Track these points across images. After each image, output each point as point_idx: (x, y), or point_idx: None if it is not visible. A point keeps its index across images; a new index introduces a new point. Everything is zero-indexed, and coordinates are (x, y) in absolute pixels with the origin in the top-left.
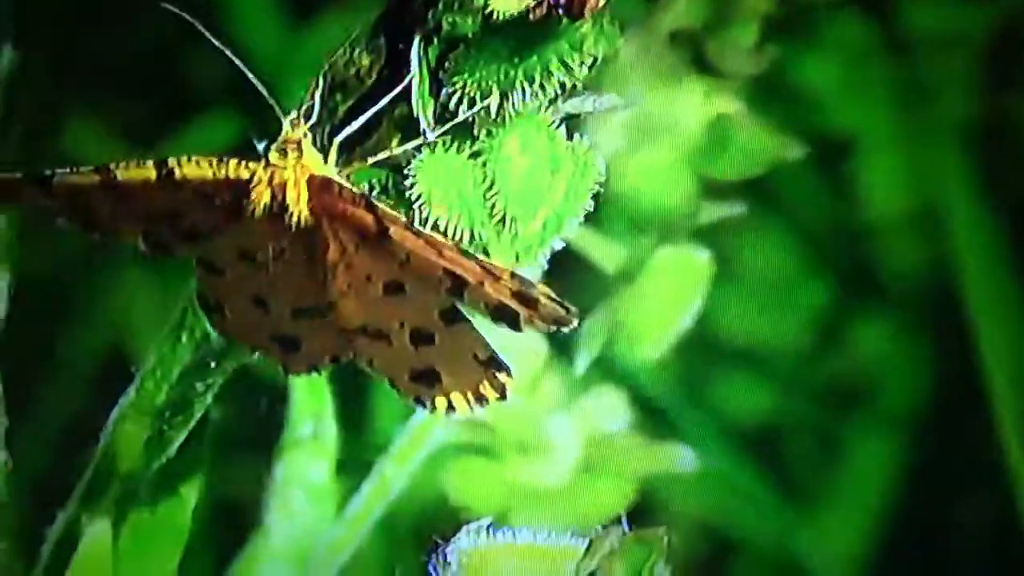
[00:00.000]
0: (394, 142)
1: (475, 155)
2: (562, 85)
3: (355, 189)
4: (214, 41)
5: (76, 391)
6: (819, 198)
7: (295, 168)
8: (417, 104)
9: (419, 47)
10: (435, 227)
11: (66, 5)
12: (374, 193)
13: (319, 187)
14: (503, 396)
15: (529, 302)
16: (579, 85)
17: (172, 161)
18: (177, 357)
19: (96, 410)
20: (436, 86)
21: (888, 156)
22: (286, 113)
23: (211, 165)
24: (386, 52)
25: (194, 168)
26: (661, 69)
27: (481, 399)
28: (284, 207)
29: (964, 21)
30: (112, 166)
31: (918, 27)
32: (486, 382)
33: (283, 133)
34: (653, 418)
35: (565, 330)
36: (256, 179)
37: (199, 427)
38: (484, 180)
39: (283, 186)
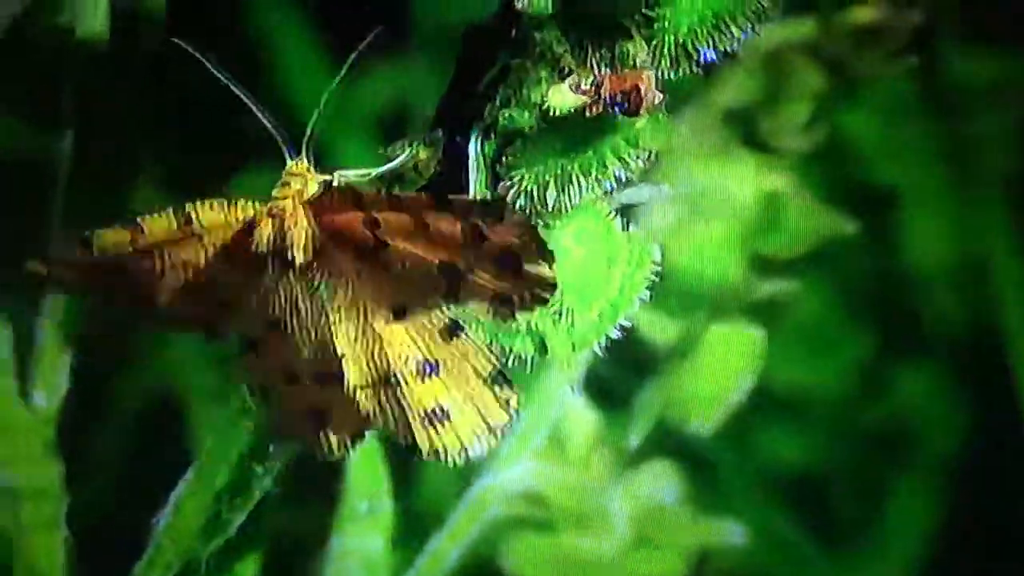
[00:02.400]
0: None
1: None
2: (618, 178)
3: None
4: (223, 78)
5: (134, 467)
6: (863, 251)
7: (294, 195)
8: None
9: (477, 141)
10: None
11: (122, 83)
12: None
13: (313, 201)
14: (510, 416)
15: (510, 264)
16: (635, 176)
17: (189, 207)
18: (236, 439)
19: (155, 488)
20: (493, 180)
21: (932, 210)
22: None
23: (223, 208)
24: (444, 145)
25: (208, 211)
26: (715, 146)
27: (491, 429)
28: (284, 235)
29: (1007, 76)
30: (139, 219)
31: (961, 83)
32: (492, 406)
33: (286, 168)
34: (704, 487)
35: (547, 296)
36: (258, 215)
37: (257, 507)
38: None
39: (282, 214)
